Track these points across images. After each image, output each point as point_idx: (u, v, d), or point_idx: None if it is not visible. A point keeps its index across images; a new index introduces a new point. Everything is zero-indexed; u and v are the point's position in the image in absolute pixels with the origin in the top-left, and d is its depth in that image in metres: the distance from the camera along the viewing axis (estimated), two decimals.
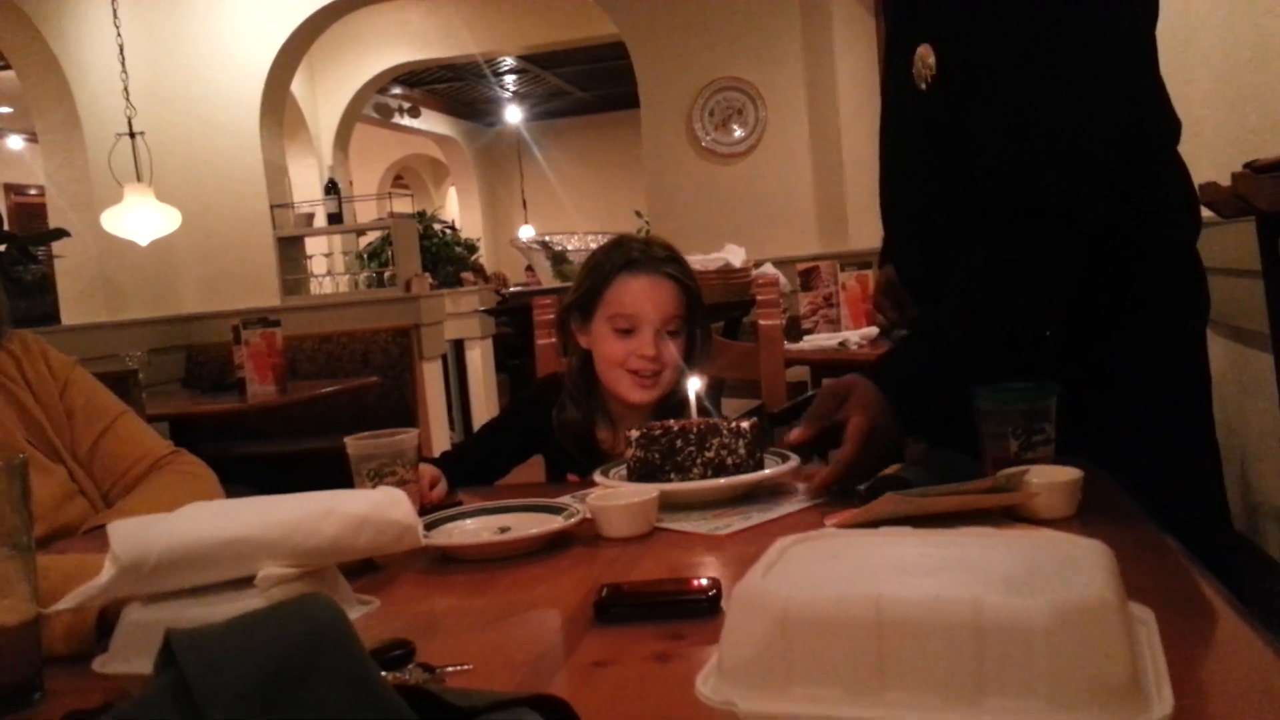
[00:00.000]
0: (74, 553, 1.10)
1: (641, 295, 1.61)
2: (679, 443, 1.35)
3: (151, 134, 4.81)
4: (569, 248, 4.35)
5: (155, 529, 0.83)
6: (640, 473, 1.37)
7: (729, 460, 1.35)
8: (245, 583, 0.83)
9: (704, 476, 1.34)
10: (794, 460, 1.40)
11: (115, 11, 4.82)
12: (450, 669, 0.83)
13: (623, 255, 1.64)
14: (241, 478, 3.66)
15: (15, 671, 0.86)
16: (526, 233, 11.95)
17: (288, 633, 0.63)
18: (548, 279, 4.39)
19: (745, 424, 1.37)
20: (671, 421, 1.38)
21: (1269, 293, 2.53)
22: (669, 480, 1.34)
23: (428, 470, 1.46)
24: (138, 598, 0.84)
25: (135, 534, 0.82)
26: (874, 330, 3.41)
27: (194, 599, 0.82)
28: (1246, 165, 2.38)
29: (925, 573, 0.46)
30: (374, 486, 1.29)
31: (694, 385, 1.48)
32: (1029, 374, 1.26)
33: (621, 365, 1.62)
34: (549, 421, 1.68)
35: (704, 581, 0.95)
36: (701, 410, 1.44)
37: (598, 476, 1.41)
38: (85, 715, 0.74)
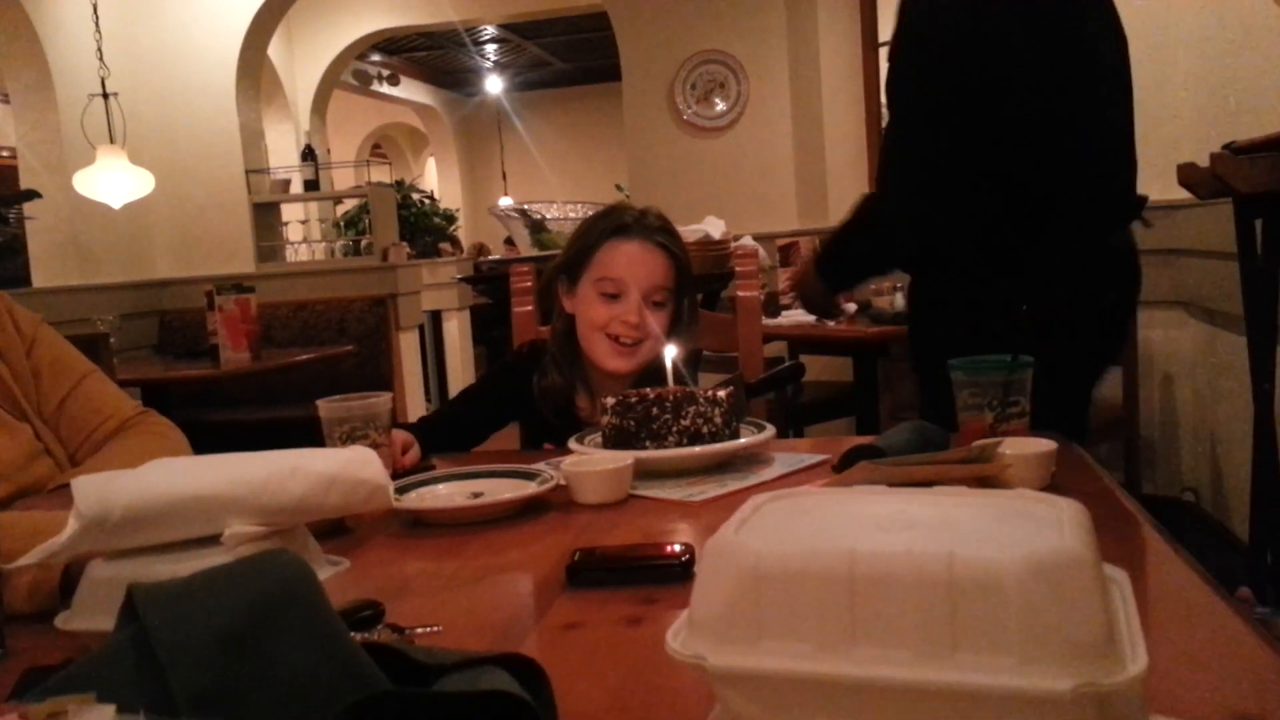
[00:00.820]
0: (38, 510, 1.08)
1: (630, 260, 1.60)
2: (655, 410, 1.34)
3: (125, 95, 4.73)
4: (548, 216, 4.31)
5: (119, 484, 0.81)
6: (616, 440, 1.36)
7: (704, 429, 1.34)
8: (212, 540, 0.82)
9: (679, 445, 1.33)
10: (769, 430, 1.40)
11: None
12: (420, 630, 0.82)
13: (615, 220, 1.64)
14: (214, 445, 3.61)
15: None
16: (505, 202, 11.89)
17: (253, 587, 0.62)
18: (525, 247, 4.33)
19: (722, 393, 1.37)
20: (648, 390, 1.38)
21: (1244, 274, 2.55)
22: (644, 448, 1.33)
23: (400, 435, 1.45)
24: (102, 554, 0.83)
25: (99, 489, 0.81)
26: (853, 307, 3.41)
27: (159, 556, 0.81)
28: (1225, 146, 2.39)
29: (899, 528, 0.46)
30: None
31: (670, 353, 1.47)
32: (1004, 347, 1.27)
33: (604, 330, 1.60)
34: (527, 388, 1.67)
35: (677, 547, 0.95)
36: (678, 379, 1.43)
37: (573, 443, 1.40)
38: (45, 671, 0.73)
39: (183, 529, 0.82)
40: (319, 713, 0.56)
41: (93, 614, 0.79)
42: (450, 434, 1.65)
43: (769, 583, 0.43)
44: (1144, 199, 1.85)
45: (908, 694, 0.41)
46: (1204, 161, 2.49)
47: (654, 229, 1.63)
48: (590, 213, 1.86)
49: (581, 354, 1.67)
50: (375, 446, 1.31)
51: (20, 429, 1.33)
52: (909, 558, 0.41)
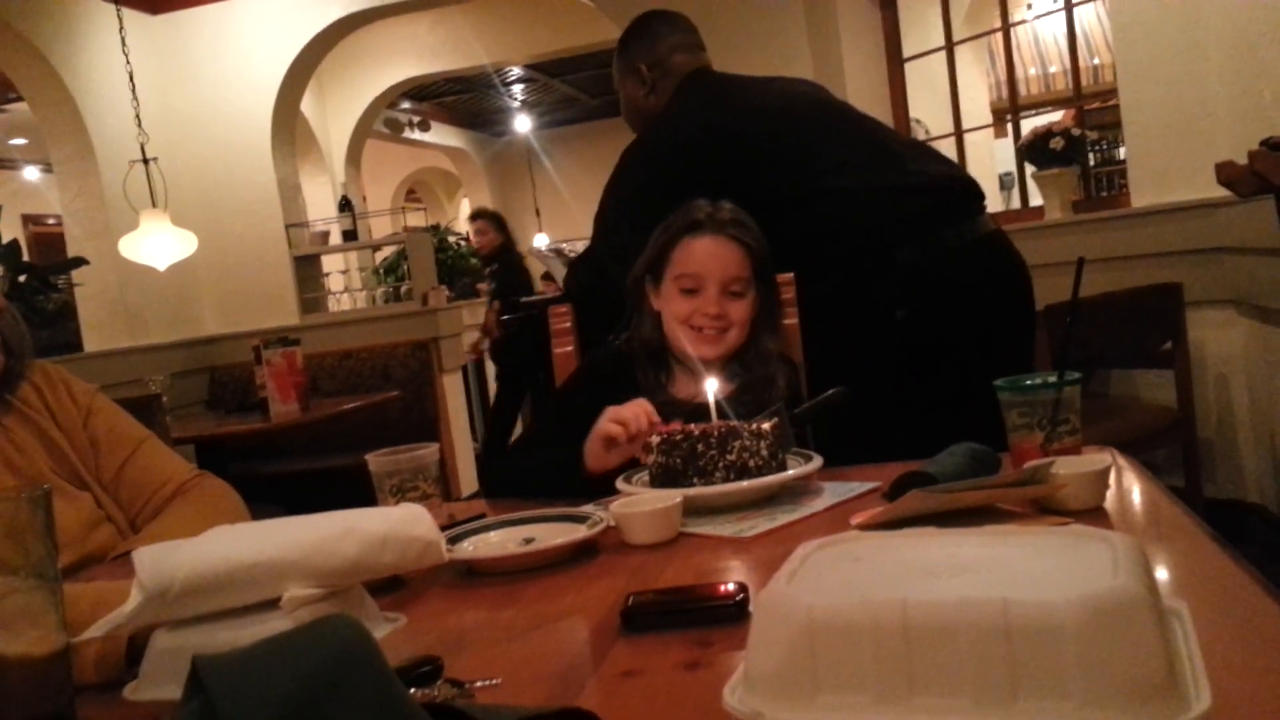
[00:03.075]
0: (101, 580, 1.11)
1: (705, 255, 1.66)
2: (700, 447, 1.35)
3: (165, 159, 4.84)
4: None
5: (179, 555, 0.83)
6: (662, 478, 1.36)
7: (751, 463, 1.34)
8: (271, 605, 0.83)
9: (726, 480, 1.33)
10: (817, 460, 1.39)
11: (124, 40, 4.86)
12: (479, 684, 0.83)
13: (688, 217, 1.70)
14: (269, 496, 3.68)
15: (48, 701, 0.86)
16: (541, 241, 11.97)
17: (313, 655, 0.62)
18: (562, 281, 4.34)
19: (766, 425, 1.37)
20: (692, 425, 1.38)
21: None
22: (692, 485, 1.33)
23: (640, 405, 1.46)
24: (165, 623, 0.84)
25: (159, 560, 0.82)
26: None
27: (221, 623, 0.82)
28: (1263, 143, 2.36)
29: (950, 574, 0.45)
30: (397, 502, 1.29)
31: (712, 387, 1.47)
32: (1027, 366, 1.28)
33: (687, 322, 1.67)
34: (619, 386, 1.67)
35: (731, 586, 0.95)
36: (720, 413, 1.43)
37: (620, 484, 1.40)
38: None
39: (242, 595, 0.83)
40: None
41: (159, 684, 0.81)
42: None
43: (823, 636, 0.43)
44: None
45: None
46: (1242, 158, 2.45)
47: (726, 222, 1.68)
48: None
49: (669, 345, 1.72)
50: (425, 497, 1.32)
51: (81, 497, 1.37)
52: (963, 606, 0.41)
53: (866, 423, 1.64)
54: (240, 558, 0.82)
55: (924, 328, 1.92)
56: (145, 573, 0.81)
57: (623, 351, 1.77)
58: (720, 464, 1.34)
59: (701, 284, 1.66)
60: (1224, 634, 0.73)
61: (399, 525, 0.89)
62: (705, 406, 1.50)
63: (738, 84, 2.21)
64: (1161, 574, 0.92)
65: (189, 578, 0.81)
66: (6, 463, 1.33)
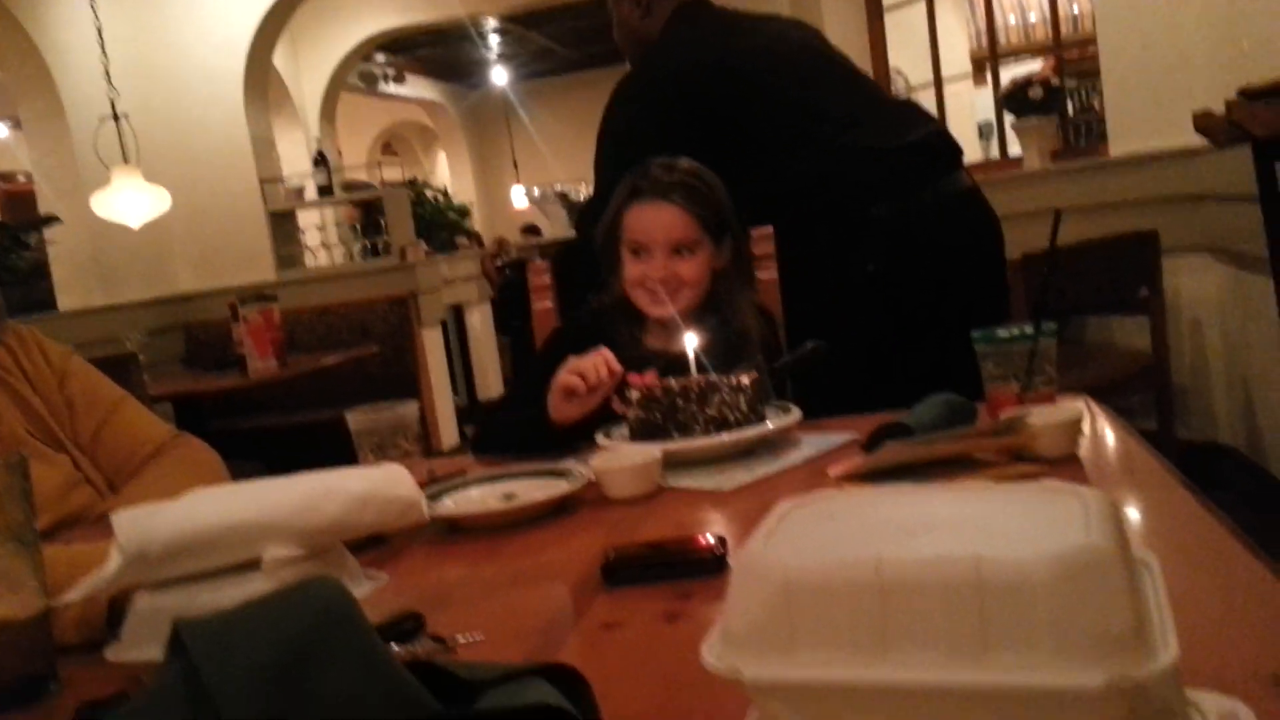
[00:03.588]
0: (81, 543, 1.10)
1: (648, 220, 1.67)
2: (680, 401, 1.35)
3: (136, 115, 4.76)
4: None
5: (158, 517, 0.83)
6: (643, 432, 1.37)
7: (731, 416, 1.35)
8: (252, 566, 0.83)
9: (706, 433, 1.34)
10: (795, 413, 1.40)
11: None
12: (461, 639, 0.83)
13: (630, 184, 1.70)
14: (249, 453, 3.67)
15: (30, 663, 0.86)
16: (518, 194, 11.88)
17: (294, 617, 0.63)
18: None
19: (745, 379, 1.37)
20: (671, 380, 1.38)
21: (1266, 218, 2.51)
22: (672, 439, 1.34)
23: (599, 355, 1.46)
24: (146, 585, 0.84)
25: (139, 523, 0.82)
26: None
27: (201, 584, 0.83)
28: (1240, 92, 2.36)
29: (924, 531, 0.46)
30: (377, 460, 1.29)
31: (691, 342, 1.47)
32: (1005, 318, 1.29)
33: (638, 284, 1.68)
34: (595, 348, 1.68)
35: (710, 539, 0.95)
36: (700, 367, 1.43)
37: (600, 438, 1.41)
38: (99, 704, 0.75)
39: (223, 557, 0.83)
40: None
41: (141, 645, 0.81)
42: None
43: (799, 594, 0.43)
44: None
45: (941, 696, 0.42)
46: (1219, 107, 2.46)
47: (671, 185, 1.67)
48: None
49: None
50: (405, 455, 1.32)
51: (58, 459, 1.36)
52: (936, 563, 0.42)
53: (844, 375, 1.65)
54: (220, 519, 0.83)
55: (895, 281, 1.93)
56: (125, 535, 0.81)
57: (597, 309, 1.77)
58: (700, 418, 1.34)
59: (647, 248, 1.66)
60: (1194, 582, 0.75)
61: (379, 485, 0.89)
62: (678, 357, 1.51)
63: (737, 21, 2.16)
64: (1133, 517, 0.94)
65: (169, 540, 0.81)
66: None
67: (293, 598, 0.65)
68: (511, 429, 1.61)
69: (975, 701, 0.41)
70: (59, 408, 1.40)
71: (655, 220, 1.66)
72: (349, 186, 6.70)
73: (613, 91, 2.13)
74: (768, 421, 1.38)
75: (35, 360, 1.42)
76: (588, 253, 1.82)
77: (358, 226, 6.41)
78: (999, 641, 0.40)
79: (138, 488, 1.33)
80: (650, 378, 1.43)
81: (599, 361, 1.45)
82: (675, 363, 1.51)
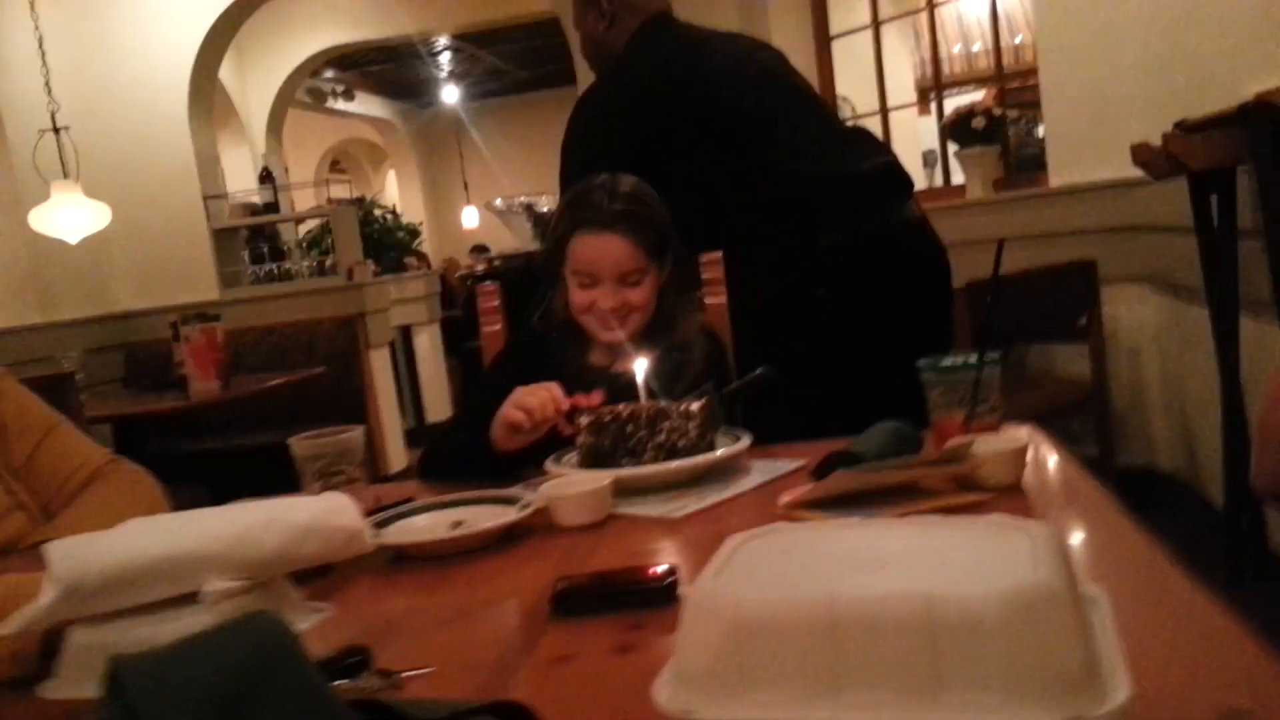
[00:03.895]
0: (13, 573, 1.07)
1: (595, 253, 1.65)
2: (629, 428, 1.35)
3: (77, 128, 4.67)
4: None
5: (94, 548, 0.81)
6: (593, 459, 1.36)
7: (680, 443, 1.35)
8: (190, 599, 0.81)
9: (656, 460, 1.34)
10: (745, 440, 1.41)
11: (32, 3, 4.66)
12: (409, 673, 0.82)
13: (577, 214, 1.68)
14: (190, 476, 3.60)
15: None
16: (470, 214, 11.83)
17: (235, 653, 0.61)
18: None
19: (695, 405, 1.37)
20: (621, 406, 1.38)
21: (1202, 249, 2.58)
22: (622, 465, 1.33)
23: (546, 390, 1.45)
24: (81, 618, 0.82)
25: (74, 554, 0.80)
26: None
27: (139, 618, 0.80)
28: (1177, 125, 2.42)
29: (876, 566, 0.46)
30: (322, 486, 1.27)
31: (641, 367, 1.47)
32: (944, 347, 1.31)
33: (588, 312, 1.67)
34: (542, 366, 1.67)
35: (661, 569, 0.95)
36: (649, 393, 1.43)
37: (550, 464, 1.40)
38: None
39: (161, 589, 0.81)
40: None
41: (76, 681, 0.79)
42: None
43: (751, 633, 0.43)
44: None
45: None
46: (1156, 140, 2.52)
47: (614, 216, 1.66)
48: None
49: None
50: (350, 481, 1.30)
51: None
52: (887, 601, 0.42)
53: (793, 401, 1.66)
54: (158, 551, 0.80)
55: (842, 307, 1.96)
56: (58, 567, 0.79)
57: (539, 330, 1.76)
58: (650, 444, 1.34)
59: (596, 279, 1.66)
60: (1140, 615, 0.75)
61: (322, 515, 0.87)
62: (624, 376, 1.51)
63: (703, 40, 2.19)
64: (1077, 548, 0.95)
65: (104, 572, 0.78)
66: None
67: (232, 633, 0.63)
68: (456, 454, 1.60)
69: None
70: None
71: (603, 252, 1.65)
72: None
73: (577, 102, 2.18)
74: (717, 448, 1.38)
75: None
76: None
77: (303, 245, 6.35)
78: (951, 681, 0.41)
79: (73, 515, 1.29)
80: (596, 398, 1.43)
81: (545, 399, 1.44)
82: (621, 381, 1.51)
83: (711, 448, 1.37)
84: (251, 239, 5.64)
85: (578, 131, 2.12)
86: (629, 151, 1.90)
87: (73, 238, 4.41)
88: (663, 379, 1.49)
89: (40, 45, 4.65)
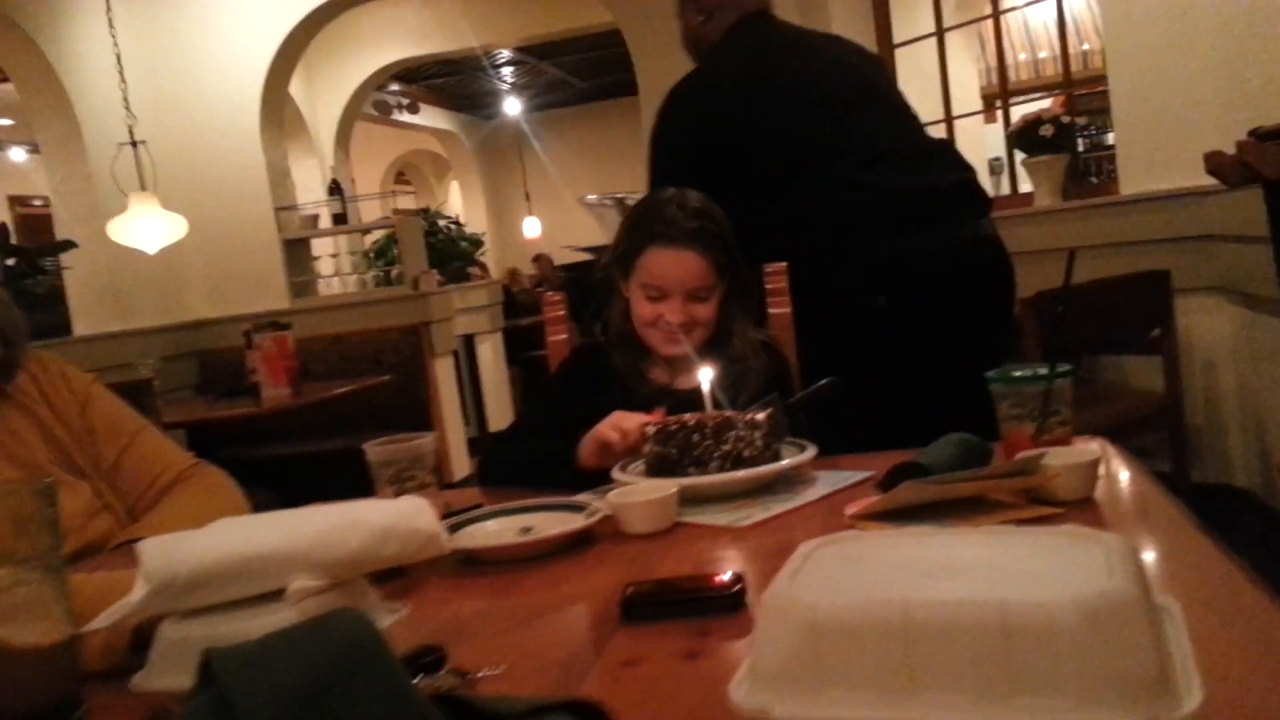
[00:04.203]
0: (103, 571, 1.12)
1: (668, 267, 1.67)
2: (696, 437, 1.36)
3: (153, 142, 4.82)
4: None
5: (184, 547, 0.84)
6: (658, 468, 1.38)
7: (746, 452, 1.35)
8: (275, 596, 0.84)
9: (722, 469, 1.35)
10: (811, 450, 1.41)
11: (111, 21, 4.83)
12: (483, 673, 0.84)
13: (650, 227, 1.70)
14: (260, 481, 3.66)
15: (56, 690, 0.87)
16: (531, 225, 11.95)
17: (322, 648, 0.64)
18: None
19: (760, 415, 1.38)
20: (688, 416, 1.39)
21: (1277, 259, 2.52)
22: (687, 474, 1.35)
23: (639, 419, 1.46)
24: (170, 614, 0.85)
25: (165, 552, 0.83)
26: None
27: (226, 614, 0.83)
28: (1251, 133, 2.37)
29: (950, 574, 0.47)
30: (395, 492, 1.30)
31: (706, 377, 1.48)
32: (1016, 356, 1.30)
33: (652, 325, 1.69)
34: (595, 386, 1.70)
35: (727, 577, 0.96)
36: (715, 403, 1.45)
37: (616, 474, 1.42)
38: None
39: (247, 587, 0.84)
40: None
41: (168, 673, 0.82)
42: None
43: (828, 635, 0.44)
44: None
45: None
46: (1230, 148, 2.47)
47: (690, 232, 1.67)
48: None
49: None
50: (422, 486, 1.33)
51: (79, 487, 1.37)
52: (962, 606, 0.43)
53: (860, 411, 1.66)
54: (245, 550, 0.83)
55: (902, 318, 1.96)
56: (151, 564, 0.82)
57: (601, 342, 1.79)
58: (716, 454, 1.35)
59: (665, 294, 1.67)
60: (1213, 628, 0.75)
61: (401, 517, 0.90)
62: (685, 393, 1.53)
63: (796, 40, 2.21)
64: (1151, 562, 0.94)
65: (195, 570, 0.82)
66: (5, 453, 1.34)
67: (320, 628, 0.66)
68: (523, 460, 1.61)
69: None
70: (80, 434, 1.42)
71: (677, 267, 1.66)
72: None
73: (669, 91, 2.18)
74: (783, 458, 1.39)
75: (57, 387, 1.44)
76: None
77: (370, 255, 6.46)
78: (1025, 685, 0.41)
79: (159, 516, 1.34)
80: (658, 416, 1.44)
81: (639, 425, 1.45)
82: (682, 399, 1.53)
83: (777, 458, 1.38)
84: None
85: (666, 121, 2.15)
86: (710, 145, 1.97)
87: (150, 248, 4.55)
88: (724, 392, 1.50)
89: (118, 62, 4.81)
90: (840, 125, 2.03)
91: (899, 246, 1.96)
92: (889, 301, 1.96)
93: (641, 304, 1.69)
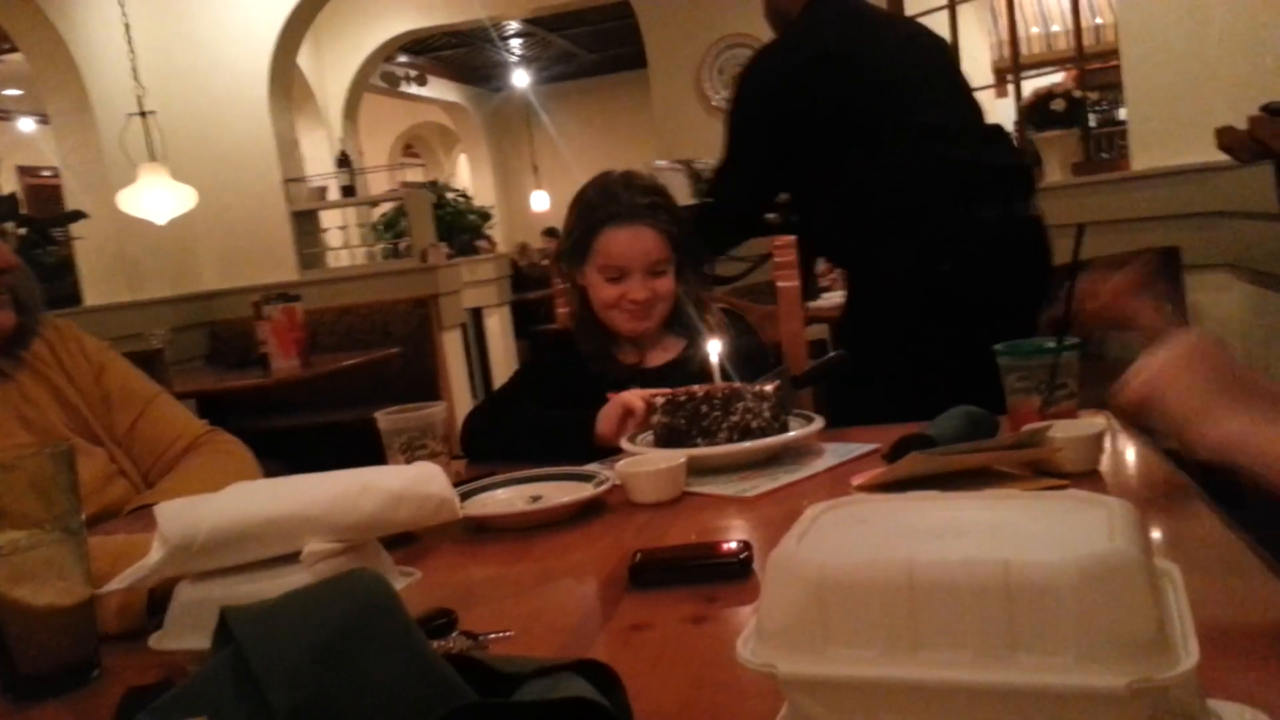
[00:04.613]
0: (120, 534, 1.13)
1: (626, 246, 1.69)
2: (704, 408, 1.37)
3: (162, 113, 4.81)
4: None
5: (201, 509, 0.85)
6: (668, 438, 1.39)
7: (754, 423, 1.37)
8: (290, 559, 0.85)
9: (730, 440, 1.36)
10: (818, 422, 1.42)
11: None
12: (492, 636, 0.86)
13: (605, 211, 1.71)
14: (269, 452, 3.68)
15: (74, 650, 0.89)
16: (539, 199, 11.93)
17: (338, 606, 0.65)
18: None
19: (769, 387, 1.39)
20: (696, 387, 1.40)
21: None
22: (696, 445, 1.36)
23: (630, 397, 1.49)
24: (187, 576, 0.87)
25: (182, 515, 0.85)
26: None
27: (242, 576, 0.85)
28: (1263, 108, 2.36)
29: (954, 536, 0.48)
30: (406, 459, 1.32)
31: (715, 349, 1.49)
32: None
33: (615, 307, 1.71)
34: (564, 376, 1.73)
35: (734, 544, 0.98)
36: (723, 375, 1.46)
37: (625, 444, 1.43)
38: (144, 691, 0.77)
39: (263, 549, 0.85)
40: None
41: (184, 634, 0.83)
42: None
43: (833, 593, 0.45)
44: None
45: (969, 694, 0.43)
46: (1242, 123, 2.46)
47: (642, 210, 1.70)
48: None
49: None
50: (432, 455, 1.34)
51: (95, 453, 1.39)
52: (966, 565, 0.44)
53: (869, 384, 1.68)
54: (261, 513, 0.85)
55: (960, 284, 2.02)
56: (168, 527, 0.84)
57: (565, 329, 1.82)
58: (724, 424, 1.36)
59: (625, 272, 1.69)
60: (1213, 593, 0.76)
61: (414, 482, 0.91)
62: (654, 371, 1.60)
63: (870, 17, 2.31)
64: (1155, 535, 0.95)
65: (212, 532, 0.83)
66: (21, 418, 1.35)
67: (336, 587, 0.67)
68: (528, 428, 1.62)
69: (1001, 701, 0.43)
70: (95, 401, 1.43)
71: (634, 244, 1.68)
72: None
73: (748, 61, 2.28)
74: (791, 429, 1.40)
75: (73, 354, 1.45)
76: (721, 216, 1.97)
77: (379, 227, 6.46)
78: (1026, 643, 0.42)
79: (174, 481, 1.36)
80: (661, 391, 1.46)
81: (644, 402, 1.48)
82: (652, 377, 1.59)
83: (785, 429, 1.39)
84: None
85: (744, 90, 2.23)
86: (785, 114, 2.08)
87: (160, 219, 4.56)
88: (687, 371, 1.52)
89: (127, 32, 4.80)
90: (910, 100, 2.10)
91: (962, 216, 2.04)
92: (951, 268, 2.02)
93: (602, 287, 1.71)
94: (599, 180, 1.76)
